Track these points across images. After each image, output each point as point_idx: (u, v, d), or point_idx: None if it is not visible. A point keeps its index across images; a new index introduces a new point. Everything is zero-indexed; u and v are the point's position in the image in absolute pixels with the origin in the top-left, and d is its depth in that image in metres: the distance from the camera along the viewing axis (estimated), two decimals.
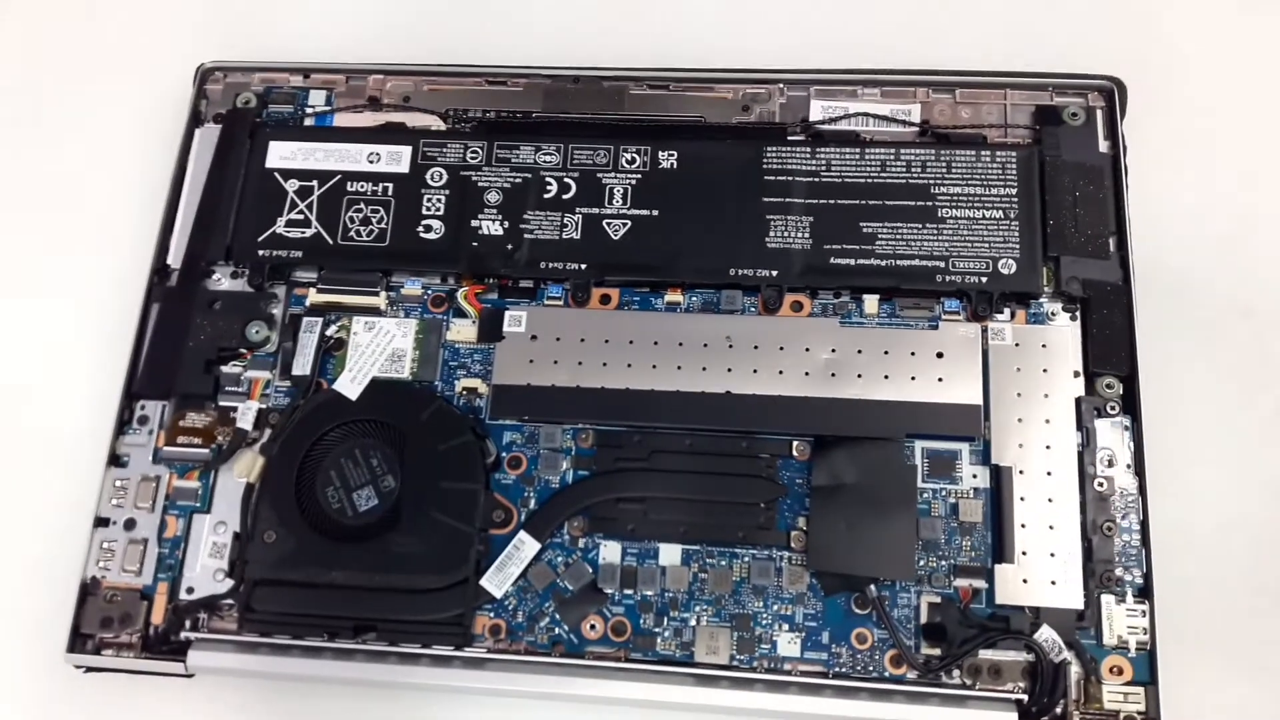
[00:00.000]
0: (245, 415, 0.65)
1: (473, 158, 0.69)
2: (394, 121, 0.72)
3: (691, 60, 0.73)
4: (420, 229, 0.68)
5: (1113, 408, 0.62)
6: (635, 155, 0.69)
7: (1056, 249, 0.65)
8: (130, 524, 0.63)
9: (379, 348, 0.66)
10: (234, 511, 0.63)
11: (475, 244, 0.67)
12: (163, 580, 0.63)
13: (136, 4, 0.81)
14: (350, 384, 0.65)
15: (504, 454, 0.64)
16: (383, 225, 0.68)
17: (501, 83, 0.73)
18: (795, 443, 0.63)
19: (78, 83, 0.79)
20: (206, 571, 0.62)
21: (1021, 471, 0.62)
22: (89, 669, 0.61)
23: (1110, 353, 0.63)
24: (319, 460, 0.63)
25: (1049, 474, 0.61)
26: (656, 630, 0.61)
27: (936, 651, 0.59)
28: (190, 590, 0.62)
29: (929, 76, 0.71)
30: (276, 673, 0.60)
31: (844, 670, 0.59)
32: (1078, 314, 0.65)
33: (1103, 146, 0.68)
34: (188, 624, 0.62)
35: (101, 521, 0.64)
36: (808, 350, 0.64)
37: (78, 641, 0.62)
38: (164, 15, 0.81)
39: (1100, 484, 0.61)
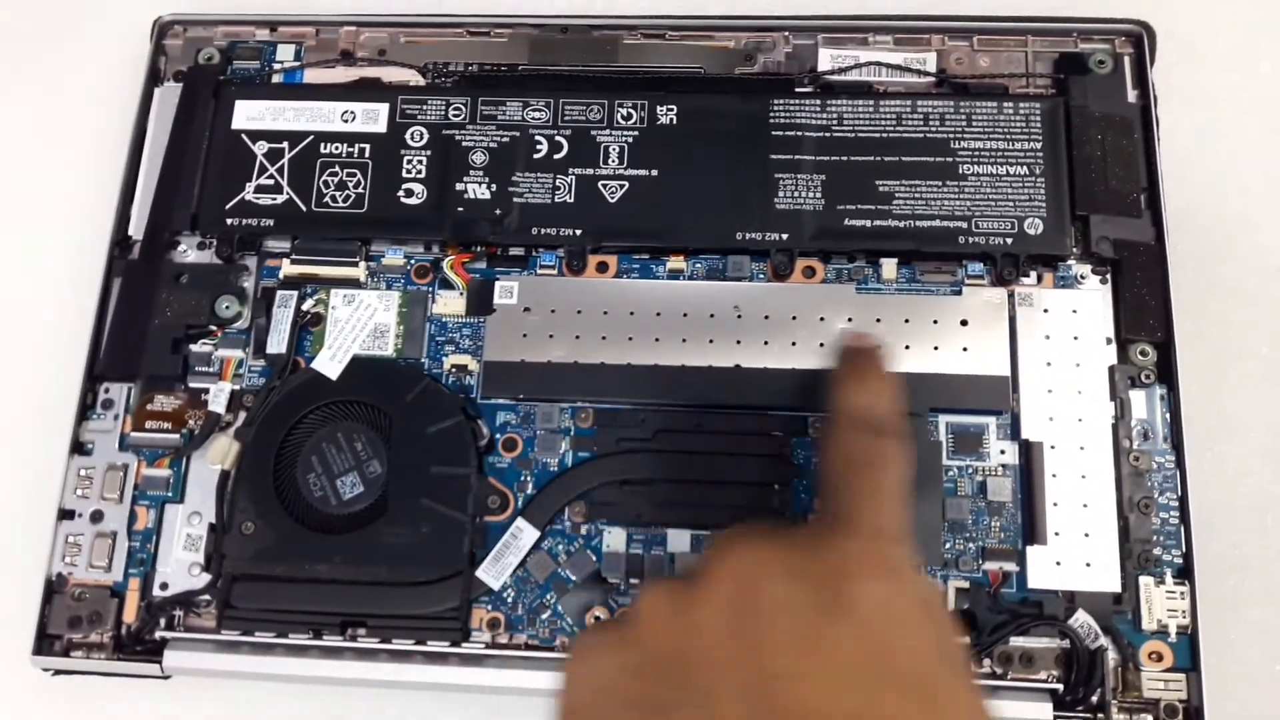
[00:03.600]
0: (218, 397, 0.63)
1: (455, 115, 0.67)
2: (369, 77, 0.69)
3: (688, 7, 0.71)
4: (401, 193, 0.66)
5: (1147, 376, 0.61)
6: (631, 110, 0.67)
7: (1085, 207, 0.63)
8: (97, 516, 0.61)
9: (360, 322, 0.64)
10: (209, 501, 0.61)
11: (460, 209, 0.65)
12: (134, 576, 0.61)
13: None
14: (330, 362, 0.63)
15: (498, 435, 0.62)
16: (360, 190, 0.66)
17: (484, 33, 0.70)
18: (811, 419, 0.61)
19: (23, 39, 0.77)
20: (181, 566, 0.61)
21: (1053, 447, 0.60)
22: (57, 672, 0.60)
23: (1144, 318, 0.62)
24: (299, 445, 0.61)
25: (1082, 449, 0.60)
26: None
27: (965, 640, 0.58)
28: (164, 586, 0.61)
29: (944, 23, 0.69)
30: (259, 673, 0.59)
31: None
32: (1108, 276, 0.63)
33: (1131, 96, 0.66)
34: (163, 622, 0.60)
35: (66, 514, 0.62)
36: (822, 320, 0.62)
37: (45, 643, 0.60)
38: None
39: (1136, 458, 0.60)
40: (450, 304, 0.64)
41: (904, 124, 0.65)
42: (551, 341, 0.63)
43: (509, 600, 0.60)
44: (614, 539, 0.60)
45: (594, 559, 0.60)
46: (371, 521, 0.60)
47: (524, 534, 0.60)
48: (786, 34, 0.69)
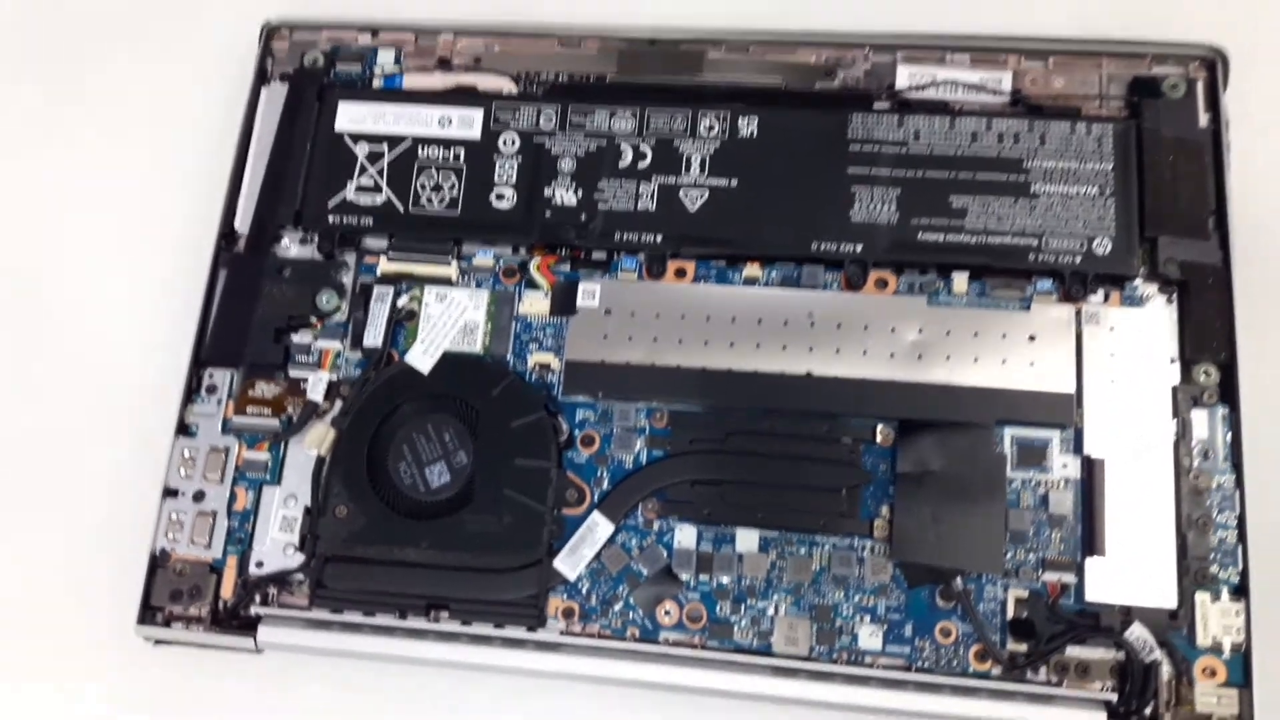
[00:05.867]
0: (316, 386, 0.63)
1: (546, 123, 0.66)
2: (465, 84, 0.69)
3: (771, 22, 0.69)
4: (492, 197, 0.65)
5: (1210, 397, 0.59)
6: (714, 122, 0.66)
7: (1153, 228, 0.62)
8: (199, 495, 0.62)
9: (451, 319, 0.64)
10: (304, 484, 0.61)
11: (548, 214, 0.65)
12: (232, 553, 0.61)
13: None
14: (422, 356, 0.63)
15: (577, 432, 0.61)
16: (454, 193, 0.66)
17: (575, 44, 0.70)
18: (879, 427, 0.60)
19: (139, 39, 0.77)
20: (276, 545, 0.61)
21: (1114, 463, 0.59)
22: (158, 641, 0.60)
23: (1208, 339, 0.60)
24: (391, 434, 0.61)
25: (1143, 465, 0.59)
26: (733, 618, 0.58)
27: (1023, 648, 0.57)
28: (260, 564, 0.61)
29: (1020, 43, 0.67)
30: (347, 650, 0.59)
31: (927, 665, 0.57)
32: (1174, 297, 0.61)
33: (1203, 120, 0.64)
34: (258, 598, 0.60)
35: (170, 492, 0.62)
36: (893, 330, 0.61)
37: (148, 614, 0.61)
38: None
39: (1196, 477, 0.58)
40: (535, 304, 0.64)
41: (979, 142, 0.64)
42: (630, 343, 0.62)
43: (583, 590, 0.59)
44: (685, 536, 0.60)
45: (665, 554, 0.59)
46: (457, 509, 0.60)
47: (599, 527, 0.59)
48: (866, 50, 0.68)
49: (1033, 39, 0.67)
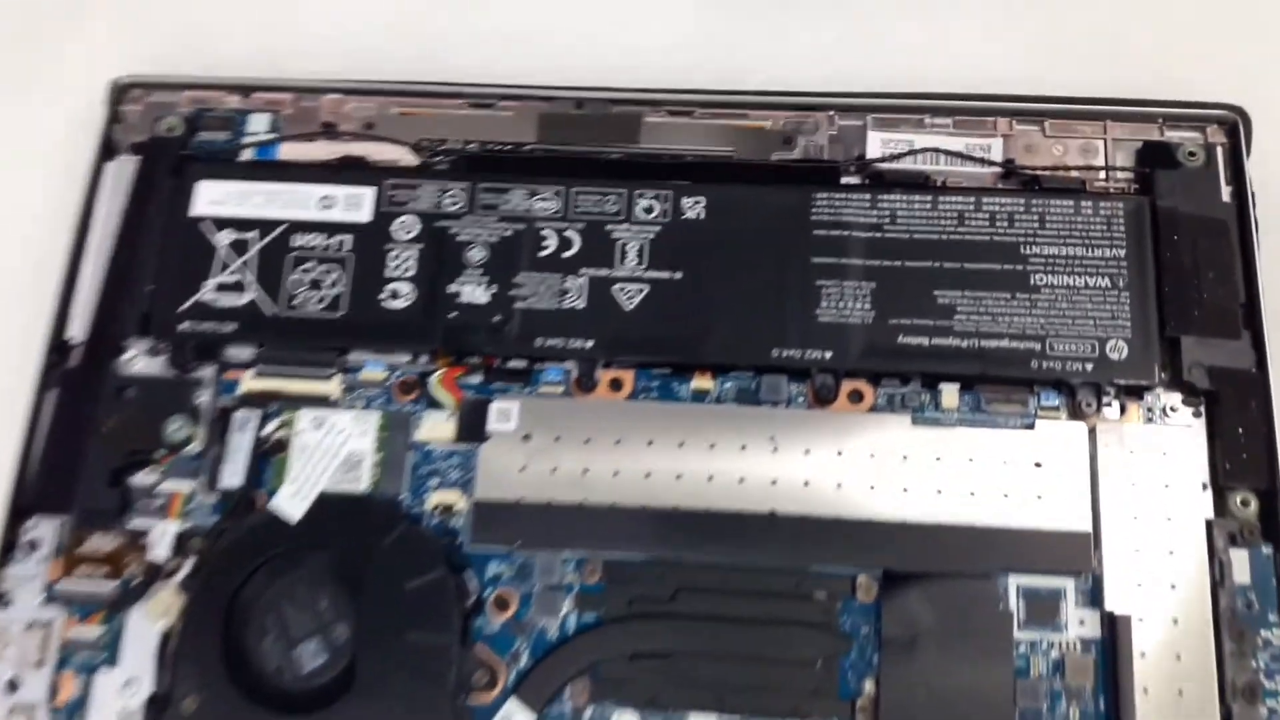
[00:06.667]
0: (161, 539, 0.51)
1: (451, 203, 0.55)
2: (353, 155, 0.58)
3: (719, 80, 0.59)
4: (385, 295, 0.54)
5: (1250, 533, 0.49)
6: (653, 202, 0.55)
7: (1176, 327, 0.52)
8: (13, 685, 0.49)
9: (330, 450, 0.52)
10: (148, 666, 0.49)
11: (453, 314, 0.54)
12: None
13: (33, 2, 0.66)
14: (292, 499, 0.51)
15: (487, 592, 0.50)
16: (338, 290, 0.54)
17: (487, 105, 0.59)
18: (860, 578, 0.50)
19: None
20: None
21: (1141, 619, 0.48)
22: None
23: (1244, 461, 0.51)
24: (252, 602, 0.49)
25: (1175, 621, 0.48)
26: None
27: None
28: None
29: (1011, 104, 0.58)
30: None
31: None
32: (1202, 410, 0.52)
33: (1225, 194, 0.55)
34: None
35: None
36: (872, 456, 0.51)
37: None
38: (68, 17, 0.66)
39: (1240, 634, 0.48)
40: (437, 427, 0.53)
41: (967, 224, 0.54)
42: (554, 477, 0.51)
43: None
44: None
45: None
46: (335, 699, 0.48)
47: (516, 719, 0.48)
48: (831, 113, 0.58)
49: (1026, 99, 0.58)
